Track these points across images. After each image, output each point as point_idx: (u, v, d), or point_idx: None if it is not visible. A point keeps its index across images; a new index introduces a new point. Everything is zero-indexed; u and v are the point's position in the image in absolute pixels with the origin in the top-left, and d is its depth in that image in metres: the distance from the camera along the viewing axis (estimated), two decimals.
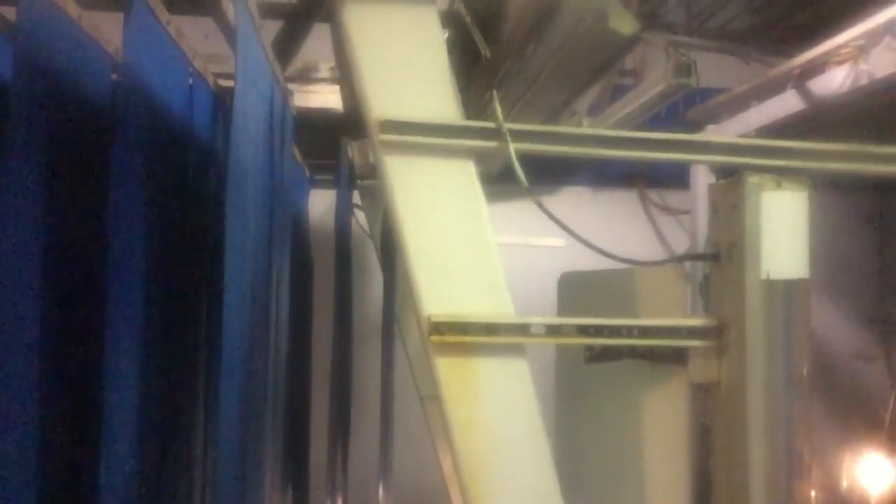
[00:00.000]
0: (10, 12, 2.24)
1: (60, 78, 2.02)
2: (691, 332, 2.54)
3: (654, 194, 6.94)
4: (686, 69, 3.26)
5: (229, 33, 2.65)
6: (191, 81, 2.65)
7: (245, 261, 2.39)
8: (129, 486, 2.06)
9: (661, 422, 3.27)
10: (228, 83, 2.63)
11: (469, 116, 2.47)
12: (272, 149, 2.91)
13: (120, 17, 2.03)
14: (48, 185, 1.94)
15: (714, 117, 5.12)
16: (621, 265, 2.65)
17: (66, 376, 2.03)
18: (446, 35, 2.98)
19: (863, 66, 3.92)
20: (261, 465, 2.87)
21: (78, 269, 2.08)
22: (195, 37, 2.73)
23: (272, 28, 3.36)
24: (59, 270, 2.00)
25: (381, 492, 5.21)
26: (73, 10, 2.08)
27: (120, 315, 1.99)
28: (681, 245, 6.40)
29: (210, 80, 2.90)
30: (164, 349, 2.39)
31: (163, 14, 2.27)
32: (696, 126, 5.22)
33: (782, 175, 2.47)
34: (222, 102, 2.93)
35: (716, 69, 4.98)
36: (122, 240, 2.01)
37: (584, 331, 2.48)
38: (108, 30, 2.31)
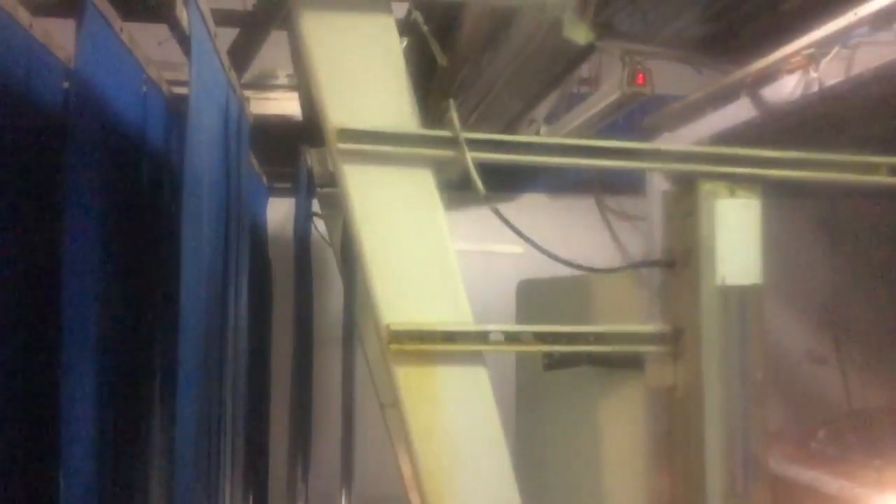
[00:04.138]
0: None
1: (11, 85, 1.99)
2: (648, 338, 2.57)
3: (610, 201, 7.01)
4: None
5: (184, 40, 2.62)
6: (144, 89, 2.62)
7: (201, 269, 2.36)
8: (87, 494, 2.03)
9: (620, 427, 3.30)
10: (183, 90, 2.60)
11: (427, 125, 2.47)
12: (228, 156, 2.89)
13: (72, 23, 2.00)
14: None
15: (668, 125, 5.19)
16: (579, 272, 2.67)
17: (19, 385, 1.99)
18: (404, 44, 2.99)
19: (813, 75, 4.01)
20: (219, 473, 2.84)
21: (30, 278, 2.05)
22: (149, 44, 2.70)
23: (229, 35, 3.33)
24: (11, 279, 1.97)
25: (342, 500, 5.18)
26: (23, 16, 2.05)
27: (74, 325, 1.96)
28: (638, 251, 6.47)
29: (164, 87, 2.87)
30: (118, 358, 2.35)
31: (116, 21, 2.24)
32: (652, 133, 5.29)
33: (735, 182, 2.51)
34: (176, 110, 2.90)
35: (671, 77, 5.05)
36: (76, 248, 1.98)
37: (542, 338, 2.49)
38: (60, 37, 2.28)
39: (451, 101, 2.48)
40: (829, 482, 4.15)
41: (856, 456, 4.34)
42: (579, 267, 2.59)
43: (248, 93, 3.62)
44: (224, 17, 3.28)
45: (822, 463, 4.39)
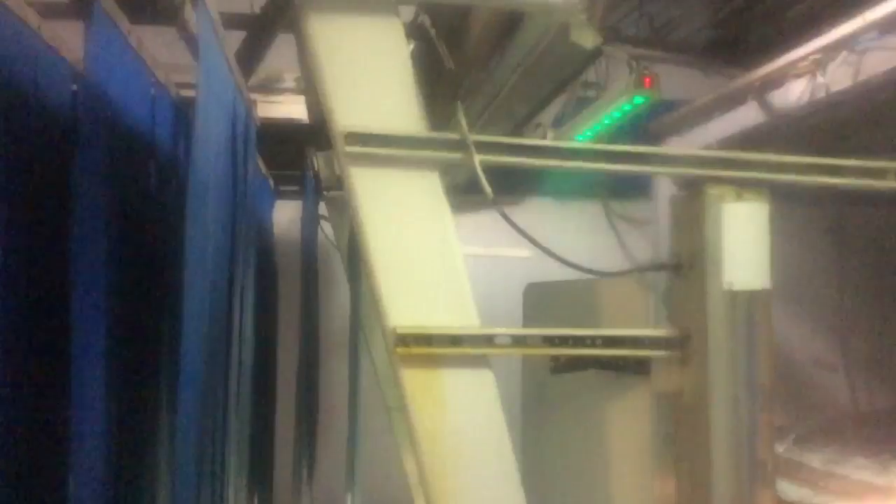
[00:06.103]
0: None
1: (20, 88, 1.99)
2: (654, 343, 2.56)
3: (617, 205, 6.98)
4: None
5: (191, 43, 2.63)
6: (152, 92, 2.63)
7: (205, 272, 2.37)
8: (96, 495, 2.03)
9: (626, 431, 3.29)
10: (191, 93, 2.61)
11: (434, 128, 2.47)
12: (235, 159, 2.90)
13: (81, 26, 2.00)
14: (8, 196, 1.92)
15: (676, 129, 5.18)
16: (586, 275, 2.66)
17: (28, 386, 2.00)
18: (411, 47, 2.99)
19: (820, 80, 4.00)
20: (224, 477, 2.84)
21: (38, 280, 2.05)
22: (157, 47, 2.70)
23: (236, 38, 3.34)
24: (20, 281, 1.97)
25: (348, 503, 5.18)
26: (32, 19, 2.05)
27: (81, 326, 1.96)
28: (644, 255, 6.45)
29: (172, 90, 2.88)
30: (126, 360, 2.36)
31: (124, 24, 2.25)
32: (659, 138, 5.28)
33: (742, 187, 2.51)
34: (184, 113, 2.91)
35: (678, 81, 5.05)
36: (83, 251, 1.99)
37: (549, 341, 2.49)
38: (69, 40, 2.28)
39: (459, 104, 2.48)
40: (791, 490, 4.10)
41: (822, 465, 4.29)
42: (587, 270, 2.58)
43: (255, 96, 3.63)
44: (231, 21, 3.28)
45: (787, 470, 4.32)
